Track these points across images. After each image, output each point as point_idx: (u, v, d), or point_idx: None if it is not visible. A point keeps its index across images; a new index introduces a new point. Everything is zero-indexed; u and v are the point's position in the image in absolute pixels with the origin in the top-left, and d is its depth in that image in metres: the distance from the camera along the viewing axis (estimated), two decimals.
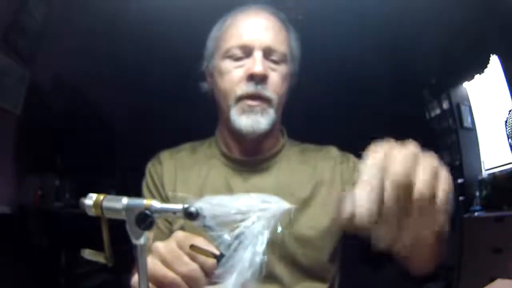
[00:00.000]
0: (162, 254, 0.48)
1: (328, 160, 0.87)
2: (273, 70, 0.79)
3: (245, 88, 0.77)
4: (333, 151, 0.90)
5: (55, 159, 2.23)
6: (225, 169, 0.85)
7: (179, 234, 0.50)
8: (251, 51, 0.77)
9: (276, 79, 0.79)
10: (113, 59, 2.47)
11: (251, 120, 0.77)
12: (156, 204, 0.43)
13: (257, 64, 0.75)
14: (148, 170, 0.89)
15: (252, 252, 0.38)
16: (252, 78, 0.76)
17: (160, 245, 0.49)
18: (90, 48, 2.30)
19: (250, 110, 0.77)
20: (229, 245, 0.40)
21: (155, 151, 0.93)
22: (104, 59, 2.45)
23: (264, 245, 0.39)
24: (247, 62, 0.78)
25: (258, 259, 0.38)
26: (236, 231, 0.40)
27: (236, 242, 0.39)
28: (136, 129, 2.92)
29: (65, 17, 2.08)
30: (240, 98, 0.77)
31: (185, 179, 0.85)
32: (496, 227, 1.95)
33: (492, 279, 0.62)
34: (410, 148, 0.39)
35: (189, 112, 2.61)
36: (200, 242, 0.46)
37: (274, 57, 0.79)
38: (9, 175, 1.81)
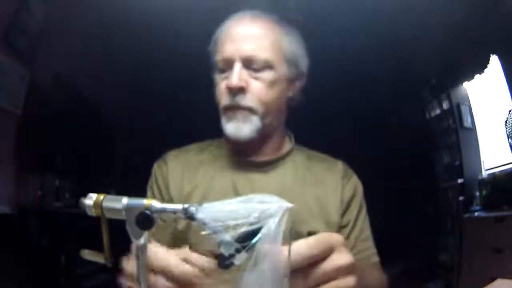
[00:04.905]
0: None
1: (332, 172, 0.89)
2: (256, 78, 0.81)
3: (225, 99, 0.80)
4: (339, 165, 0.91)
5: (55, 159, 2.23)
6: (232, 169, 0.86)
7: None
8: (232, 63, 0.80)
9: (258, 88, 0.80)
10: (113, 59, 2.47)
11: (234, 127, 0.80)
12: (156, 204, 0.43)
13: (232, 77, 0.78)
14: (154, 171, 0.90)
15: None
16: (231, 90, 0.79)
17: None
18: (90, 48, 2.30)
19: (233, 117, 0.80)
20: (230, 245, 0.40)
21: (155, 151, 0.93)
22: (104, 59, 2.45)
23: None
24: (229, 74, 0.80)
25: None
26: (238, 231, 0.40)
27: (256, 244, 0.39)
28: (136, 129, 2.92)
29: (65, 17, 2.08)
30: (224, 109, 0.81)
31: (191, 178, 0.85)
32: (496, 227, 1.95)
33: (492, 279, 0.62)
34: None
35: (189, 112, 2.61)
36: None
37: (255, 66, 0.81)
38: (9, 175, 1.81)
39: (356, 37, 2.26)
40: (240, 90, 0.78)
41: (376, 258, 0.84)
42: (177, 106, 2.69)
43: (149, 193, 0.88)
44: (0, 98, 1.73)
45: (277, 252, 0.39)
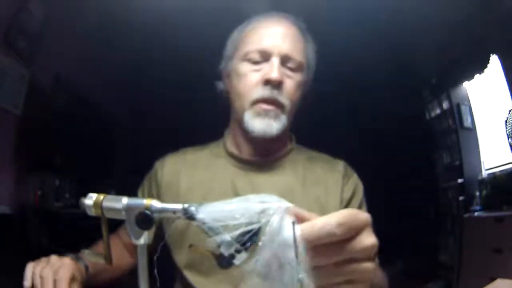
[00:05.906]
0: None
1: (333, 172, 0.90)
2: (289, 77, 0.82)
3: (261, 92, 0.79)
4: (340, 165, 0.92)
5: (55, 159, 2.23)
6: (232, 168, 0.87)
7: None
8: (269, 56, 0.80)
9: (291, 86, 0.81)
10: (113, 59, 2.47)
11: (264, 124, 0.79)
12: (156, 204, 0.43)
13: (274, 70, 0.78)
14: (153, 167, 0.92)
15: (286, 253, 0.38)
16: (269, 83, 0.78)
17: None
18: (90, 48, 2.30)
19: (265, 114, 0.79)
20: (230, 245, 0.40)
21: (155, 152, 0.94)
22: (104, 59, 2.45)
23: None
24: (264, 66, 0.80)
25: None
26: (238, 231, 0.40)
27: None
28: (136, 129, 2.92)
29: (65, 17, 2.08)
30: (256, 102, 0.80)
31: (188, 177, 0.86)
32: (496, 227, 1.95)
33: (492, 279, 0.62)
34: None
35: (189, 112, 2.61)
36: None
37: (290, 65, 0.82)
38: (9, 175, 1.81)
39: (355, 37, 2.26)
40: (278, 85, 0.78)
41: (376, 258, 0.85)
42: (177, 106, 2.69)
43: (139, 190, 0.92)
44: (0, 98, 1.73)
45: (286, 251, 0.39)
